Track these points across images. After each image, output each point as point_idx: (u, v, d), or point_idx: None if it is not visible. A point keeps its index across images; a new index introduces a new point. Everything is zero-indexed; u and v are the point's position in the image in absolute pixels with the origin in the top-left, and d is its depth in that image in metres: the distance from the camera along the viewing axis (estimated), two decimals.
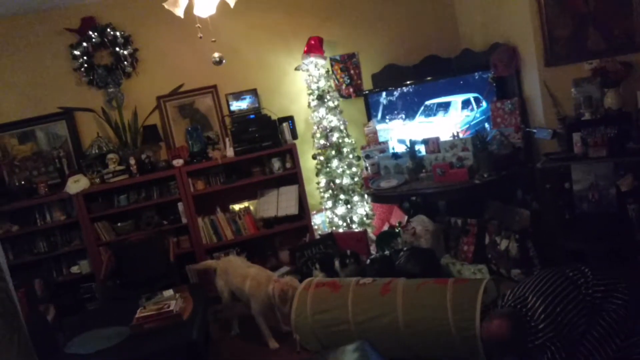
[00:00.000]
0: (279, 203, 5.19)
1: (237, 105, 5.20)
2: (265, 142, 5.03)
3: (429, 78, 5.08)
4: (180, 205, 5.00)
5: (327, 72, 5.18)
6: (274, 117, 5.16)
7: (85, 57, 5.05)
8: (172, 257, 4.66)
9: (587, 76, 4.08)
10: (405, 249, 4.32)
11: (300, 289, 3.41)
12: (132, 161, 4.91)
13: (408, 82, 5.12)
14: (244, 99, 5.21)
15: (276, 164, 5.12)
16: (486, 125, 4.86)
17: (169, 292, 3.77)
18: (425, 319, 2.93)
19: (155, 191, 5.01)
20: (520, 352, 2.64)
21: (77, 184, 4.79)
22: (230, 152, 5.03)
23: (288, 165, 5.14)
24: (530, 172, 4.46)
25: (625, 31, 3.98)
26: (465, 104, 4.93)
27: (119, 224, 4.96)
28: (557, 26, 4.23)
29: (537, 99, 4.43)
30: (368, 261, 4.45)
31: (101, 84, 5.11)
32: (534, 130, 4.43)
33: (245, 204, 5.28)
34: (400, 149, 5.01)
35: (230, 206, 5.26)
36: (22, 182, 4.96)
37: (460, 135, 4.73)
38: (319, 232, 5.29)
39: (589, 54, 4.11)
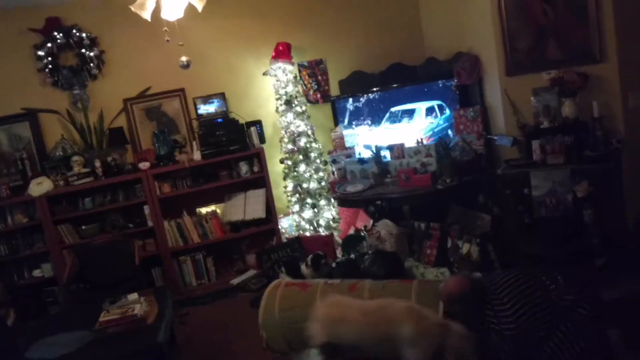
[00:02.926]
0: (246, 207, 5.21)
1: (204, 109, 5.21)
2: (233, 145, 5.04)
3: (394, 85, 5.18)
4: (146, 208, 4.97)
5: (295, 77, 5.23)
6: (241, 121, 5.17)
7: (49, 58, 4.98)
8: (137, 260, 4.62)
9: (546, 86, 4.23)
10: (370, 252, 4.39)
11: (270, 288, 3.45)
12: (97, 164, 4.86)
13: (374, 89, 5.21)
14: (212, 102, 5.22)
15: (244, 167, 5.13)
16: (449, 132, 4.98)
17: (133, 296, 3.75)
18: None
19: (120, 194, 4.97)
20: (471, 317, 2.66)
21: (40, 187, 4.72)
22: (197, 155, 5.03)
23: (255, 169, 5.16)
24: (492, 178, 4.59)
25: (583, 43, 4.14)
26: (430, 111, 5.05)
27: (83, 227, 4.90)
28: (517, 37, 4.38)
29: (499, 107, 4.57)
30: (334, 264, 4.50)
31: (66, 86, 5.04)
32: (495, 138, 4.57)
33: (213, 207, 5.28)
34: (366, 154, 5.09)
35: (197, 209, 5.25)
36: None
37: (424, 142, 4.83)
38: (286, 236, 5.32)
39: (547, 65, 4.26)
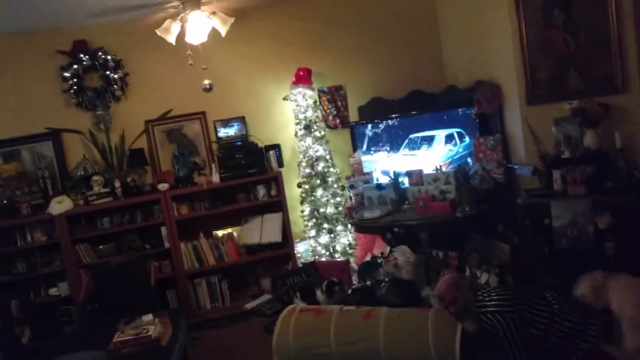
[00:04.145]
0: (262, 230, 5.21)
1: (224, 132, 5.25)
2: (251, 169, 5.06)
3: (414, 112, 5.18)
4: (163, 230, 4.99)
5: (315, 102, 5.27)
6: (260, 145, 5.21)
7: (75, 79, 5.08)
8: (153, 281, 4.63)
9: (567, 116, 4.19)
10: (386, 279, 4.34)
11: (285, 313, 3.43)
12: (117, 184, 4.90)
13: (393, 116, 5.22)
14: (232, 126, 5.27)
15: (261, 191, 5.15)
16: (469, 160, 4.95)
17: (148, 317, 3.74)
18: (406, 344, 2.96)
19: (139, 215, 5.00)
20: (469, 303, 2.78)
21: (60, 205, 4.77)
22: (216, 177, 5.05)
23: (273, 192, 5.17)
24: (511, 207, 4.53)
25: (604, 74, 4.11)
26: (449, 138, 5.03)
27: (100, 247, 4.93)
28: (539, 67, 4.37)
29: (519, 136, 4.54)
30: (350, 291, 4.46)
31: (90, 107, 5.13)
32: (516, 167, 4.53)
33: (229, 230, 5.29)
34: (384, 180, 5.08)
35: (214, 232, 5.26)
36: (5, 202, 4.91)
37: (443, 169, 4.81)
38: (302, 261, 5.30)
39: (569, 95, 4.23)
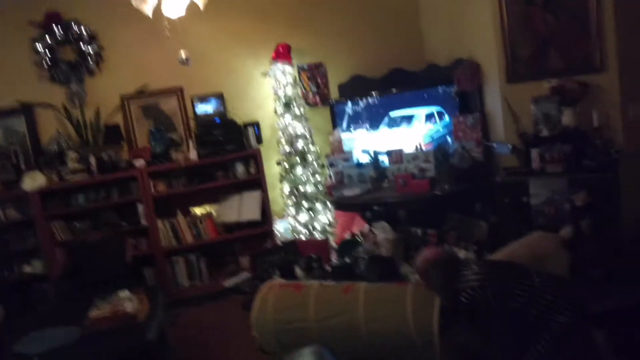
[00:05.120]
0: (241, 208, 5.16)
1: (202, 108, 5.17)
2: (230, 146, 5.00)
3: (394, 90, 5.16)
4: (140, 207, 4.91)
5: (295, 79, 5.21)
6: (239, 122, 5.14)
7: (48, 52, 4.94)
8: (128, 258, 4.57)
9: (546, 94, 4.21)
10: (365, 257, 4.35)
11: (264, 289, 3.40)
12: (92, 160, 4.81)
13: (373, 93, 5.19)
14: (210, 102, 5.19)
15: (240, 168, 5.09)
16: (448, 138, 4.96)
17: (124, 293, 3.69)
18: (385, 317, 2.95)
19: (115, 191, 4.91)
20: (445, 282, 2.75)
21: (33, 181, 4.66)
22: (193, 154, 4.98)
23: (252, 170, 5.12)
24: (490, 185, 4.57)
25: (584, 52, 4.13)
26: (429, 117, 5.03)
27: (75, 224, 4.84)
28: (519, 45, 4.37)
29: (498, 114, 4.56)
30: (329, 268, 4.46)
31: (63, 81, 5.00)
32: (494, 145, 4.55)
33: (207, 208, 5.23)
34: (364, 158, 5.07)
35: (192, 209, 5.20)
36: None
37: (423, 148, 4.82)
38: (281, 239, 5.28)
39: (548, 73, 4.25)
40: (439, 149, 4.58)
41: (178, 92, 5.21)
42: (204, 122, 5.09)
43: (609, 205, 3.90)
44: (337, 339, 3.02)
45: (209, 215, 5.17)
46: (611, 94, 4.07)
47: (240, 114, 5.21)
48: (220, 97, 5.20)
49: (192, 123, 5.20)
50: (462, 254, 4.21)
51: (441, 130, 5.00)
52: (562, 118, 4.13)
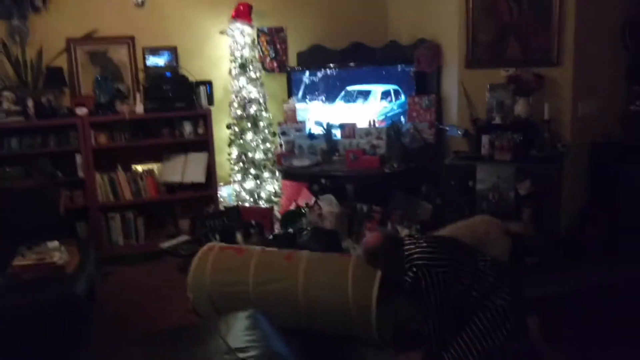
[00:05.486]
0: (185, 169, 4.99)
1: (153, 61, 4.94)
2: (179, 103, 4.80)
3: (353, 64, 5.09)
4: (78, 158, 4.66)
5: (253, 41, 5.05)
6: (191, 79, 4.94)
7: None
8: (61, 209, 4.34)
9: (503, 82, 4.26)
10: (309, 228, 4.30)
11: (204, 249, 3.30)
12: (29, 103, 4.50)
13: (332, 65, 5.11)
14: (162, 55, 4.97)
15: (188, 127, 4.91)
16: (402, 118, 4.94)
17: (53, 244, 3.49)
18: (324, 286, 2.93)
19: (52, 139, 4.62)
20: (392, 265, 2.74)
21: None
22: (140, 108, 4.75)
23: (200, 131, 4.94)
24: (437, 168, 4.60)
25: (542, 46, 4.20)
26: (385, 94, 5.00)
27: (6, 169, 4.55)
28: (481, 31, 4.39)
29: (454, 98, 4.58)
30: (271, 237, 4.40)
31: (4, 14, 4.62)
32: (447, 128, 4.58)
33: (150, 165, 5.03)
34: (317, 130, 5.00)
35: (133, 166, 4.98)
36: None
37: (377, 125, 4.79)
38: (224, 205, 5.15)
39: (506, 62, 4.30)
40: (393, 127, 4.56)
41: (129, 41, 4.94)
42: (154, 75, 4.87)
43: (550, 196, 4.00)
44: (273, 305, 2.97)
45: (151, 173, 4.97)
46: (564, 89, 4.17)
47: (193, 72, 4.99)
48: (173, 51, 4.98)
49: (141, 75, 4.96)
50: (404, 232, 4.25)
51: (396, 109, 4.99)
52: (516, 107, 4.20)
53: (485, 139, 4.18)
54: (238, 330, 2.40)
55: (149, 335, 2.51)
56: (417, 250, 2.63)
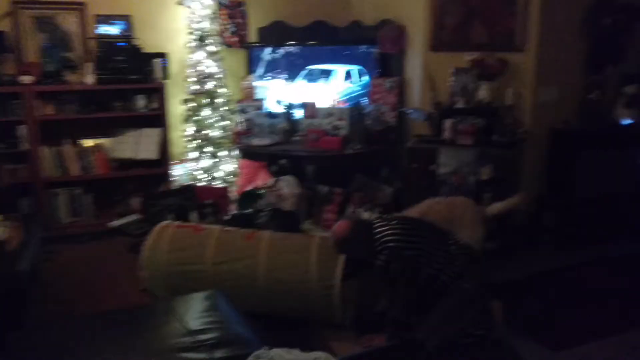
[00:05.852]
0: (138, 145, 4.77)
1: (105, 30, 4.67)
2: (133, 75, 4.56)
3: (315, 42, 4.97)
4: (22, 129, 4.37)
5: (213, 14, 4.84)
6: (146, 51, 4.70)
7: None
8: (2, 183, 4.06)
9: (466, 67, 4.24)
10: (267, 209, 4.19)
11: (159, 227, 3.13)
12: None
13: (294, 43, 4.97)
14: (115, 24, 4.70)
15: (141, 101, 4.68)
16: (364, 99, 4.87)
17: None
18: (287, 265, 2.84)
19: None
20: (363, 251, 2.69)
21: None
22: (90, 79, 4.49)
23: (154, 105, 4.72)
24: (398, 151, 4.57)
25: (507, 31, 4.19)
26: (348, 75, 4.91)
27: None
28: (447, 14, 4.35)
29: (417, 81, 4.53)
30: (228, 217, 4.27)
31: None
32: (409, 111, 4.53)
33: (100, 140, 4.77)
34: (277, 109, 4.87)
35: (82, 140, 4.72)
36: None
37: (339, 106, 4.70)
38: (178, 184, 4.96)
39: (471, 46, 4.27)
40: (356, 108, 4.48)
41: (80, 7, 4.65)
42: (107, 44, 4.60)
43: (510, 180, 4.02)
44: (232, 285, 2.86)
45: (101, 148, 4.72)
46: (526, 75, 4.18)
47: (147, 43, 4.75)
48: (127, 21, 4.72)
49: (92, 44, 4.68)
50: (365, 216, 4.20)
51: (358, 90, 4.91)
52: (479, 92, 4.19)
53: (447, 122, 4.16)
54: (197, 311, 2.28)
55: (100, 316, 2.35)
56: (389, 232, 2.57)
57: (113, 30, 4.70)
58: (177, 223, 3.28)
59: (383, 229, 2.59)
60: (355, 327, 2.91)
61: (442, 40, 4.38)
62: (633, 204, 4.22)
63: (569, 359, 2.77)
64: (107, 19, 4.67)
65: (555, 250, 4.10)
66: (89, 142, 4.73)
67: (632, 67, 4.40)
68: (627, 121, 4.28)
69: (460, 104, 4.20)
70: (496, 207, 3.45)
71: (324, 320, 2.91)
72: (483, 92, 4.16)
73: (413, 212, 3.28)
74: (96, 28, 4.66)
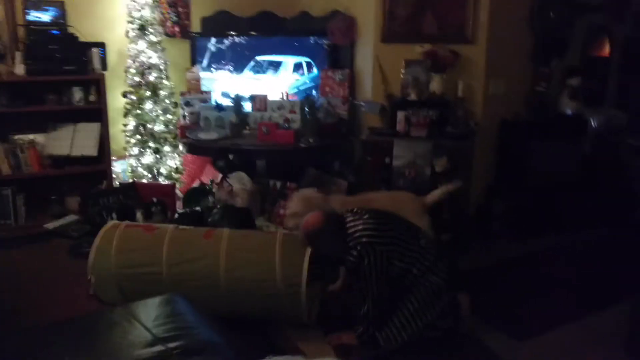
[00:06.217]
0: (74, 140, 4.46)
1: (36, 16, 4.33)
2: (68, 66, 4.25)
3: (262, 33, 4.82)
4: None
5: (154, 2, 4.58)
6: (82, 40, 4.39)
7: None
8: None
9: (418, 59, 4.21)
10: (219, 206, 4.02)
11: (107, 227, 2.90)
12: None
13: (240, 33, 4.79)
14: (47, 10, 4.36)
15: (77, 94, 4.37)
16: (314, 92, 4.77)
17: None
18: (250, 264, 2.69)
19: None
20: (333, 245, 2.63)
21: None
22: (20, 69, 4.15)
23: (92, 98, 4.42)
24: (351, 144, 4.50)
25: (457, 22, 4.21)
26: (297, 67, 4.79)
27: None
28: (397, 4, 4.30)
29: (368, 73, 4.47)
30: (176, 216, 4.06)
31: None
32: (363, 103, 4.47)
33: (32, 136, 4.42)
34: (225, 101, 4.68)
35: (12, 136, 4.36)
36: None
37: (288, 98, 4.58)
38: (119, 181, 4.69)
39: (422, 37, 4.25)
40: (307, 101, 4.37)
41: None
42: (38, 32, 4.26)
43: (464, 172, 4.03)
44: (191, 287, 2.69)
45: (33, 144, 4.37)
46: (477, 67, 4.21)
47: (84, 31, 4.43)
48: (60, 7, 4.39)
49: (21, 31, 4.32)
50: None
51: (308, 82, 4.80)
52: (431, 84, 4.18)
53: (400, 115, 4.12)
54: (160, 317, 2.10)
55: (50, 327, 2.11)
56: (361, 227, 2.49)
57: (45, 17, 4.36)
58: (125, 223, 3.05)
59: (355, 223, 2.50)
60: (322, 325, 2.80)
61: (393, 31, 4.33)
62: (579, 193, 4.34)
63: (535, 348, 2.78)
64: (38, 5, 4.33)
65: (508, 240, 4.16)
66: (20, 138, 4.37)
67: (575, 59, 4.53)
68: (571, 112, 4.40)
69: (412, 96, 4.17)
70: (435, 194, 3.44)
71: (288, 320, 2.79)
72: (435, 84, 4.16)
73: (356, 203, 3.19)
74: (27, 14, 4.31)
